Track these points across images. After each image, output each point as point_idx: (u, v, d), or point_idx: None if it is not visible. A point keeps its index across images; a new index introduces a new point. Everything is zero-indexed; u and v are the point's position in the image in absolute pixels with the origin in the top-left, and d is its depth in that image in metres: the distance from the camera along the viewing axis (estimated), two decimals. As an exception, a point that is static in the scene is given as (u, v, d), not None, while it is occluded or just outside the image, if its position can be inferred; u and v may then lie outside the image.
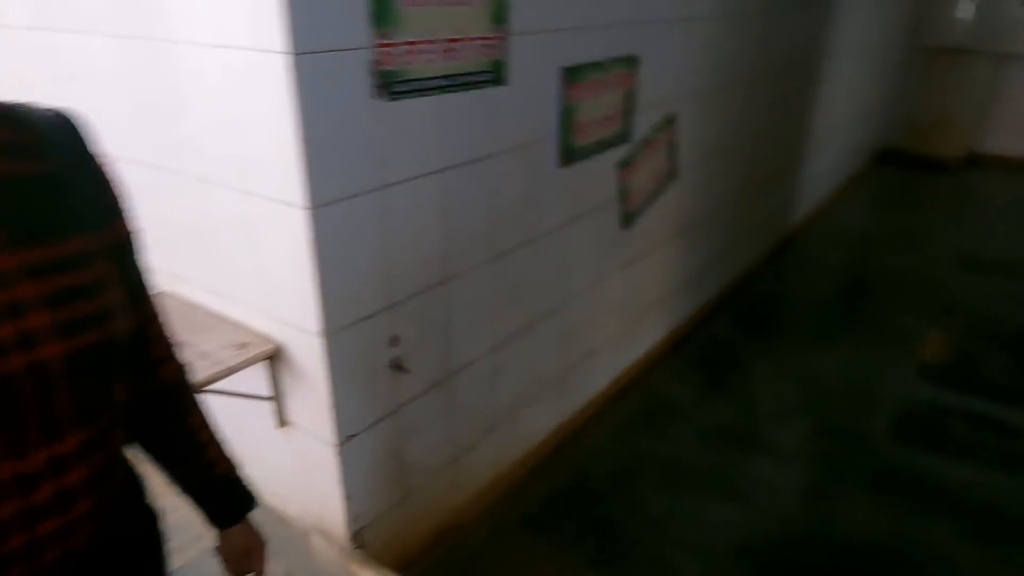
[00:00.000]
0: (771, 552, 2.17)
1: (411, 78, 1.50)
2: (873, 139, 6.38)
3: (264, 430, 1.78)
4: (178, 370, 0.86)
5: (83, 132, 0.72)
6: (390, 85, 1.45)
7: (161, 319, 0.83)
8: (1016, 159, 6.44)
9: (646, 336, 3.04)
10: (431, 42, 1.50)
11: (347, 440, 1.65)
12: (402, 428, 1.81)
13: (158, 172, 1.67)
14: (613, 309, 2.67)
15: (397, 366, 1.71)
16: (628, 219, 2.56)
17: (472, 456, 2.13)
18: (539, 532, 2.22)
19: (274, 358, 1.63)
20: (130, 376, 0.75)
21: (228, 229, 1.60)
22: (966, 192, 6.02)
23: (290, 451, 1.78)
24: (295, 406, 1.69)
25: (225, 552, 0.96)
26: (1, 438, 0.59)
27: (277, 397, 1.69)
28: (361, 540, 1.78)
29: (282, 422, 1.73)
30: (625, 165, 2.43)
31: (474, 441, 2.11)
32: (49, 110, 0.70)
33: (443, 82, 1.58)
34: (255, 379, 1.67)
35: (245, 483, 0.95)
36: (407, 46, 1.46)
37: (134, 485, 0.82)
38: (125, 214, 0.75)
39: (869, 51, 5.26)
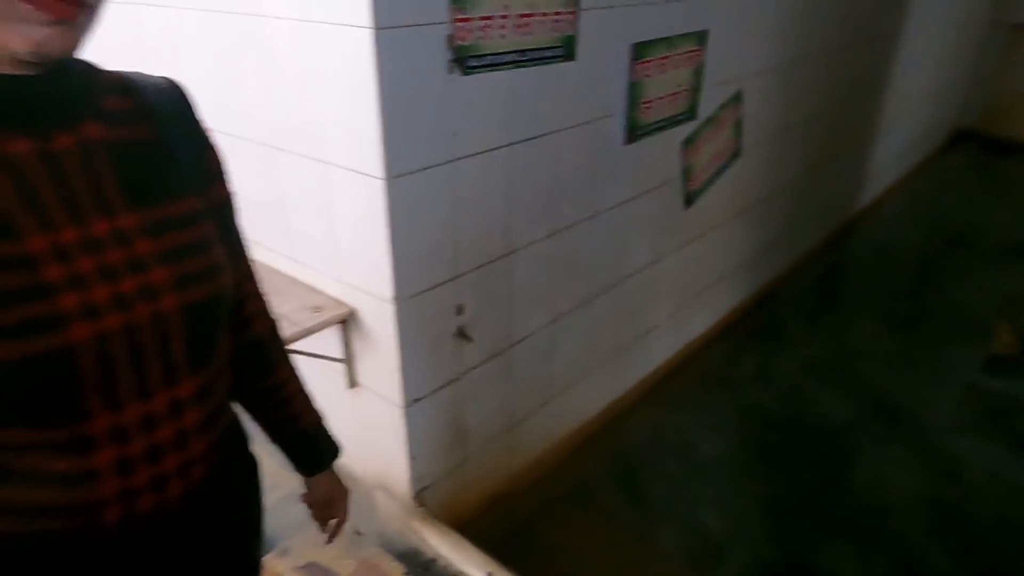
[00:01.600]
0: (809, 527, 2.17)
1: (484, 53, 1.53)
2: (948, 120, 6.09)
3: (334, 390, 1.87)
4: (270, 325, 0.91)
5: (188, 100, 0.76)
6: (465, 60, 1.48)
7: (255, 277, 0.88)
8: (1104, 144, 6.06)
9: (703, 316, 3.03)
10: (505, 17, 1.53)
11: (413, 403, 1.72)
12: (463, 395, 1.87)
13: (237, 141, 1.76)
14: (670, 288, 2.67)
15: (461, 334, 1.77)
16: (690, 198, 2.54)
17: (527, 426, 2.18)
18: (587, 504, 2.28)
19: (347, 322, 1.71)
20: (230, 333, 0.81)
21: (305, 197, 1.67)
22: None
23: (358, 411, 1.87)
24: (365, 368, 1.77)
25: (310, 499, 1.02)
26: (132, 380, 0.65)
27: (348, 359, 1.77)
28: (423, 499, 1.87)
29: (352, 383, 1.82)
30: (690, 143, 2.41)
31: (529, 411, 2.17)
32: (159, 79, 0.75)
33: (515, 57, 1.60)
34: (328, 341, 1.76)
35: (330, 434, 1.01)
36: (482, 21, 1.48)
37: (239, 433, 0.88)
38: (224, 178, 0.80)
39: (950, 26, 5.01)
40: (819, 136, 3.48)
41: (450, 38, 1.43)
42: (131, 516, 0.68)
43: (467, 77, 1.52)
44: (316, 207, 1.65)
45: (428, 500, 1.88)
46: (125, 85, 0.70)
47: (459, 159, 1.58)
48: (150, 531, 0.71)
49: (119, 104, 0.68)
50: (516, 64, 1.61)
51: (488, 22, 1.50)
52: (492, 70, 1.57)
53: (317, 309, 1.67)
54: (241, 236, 0.85)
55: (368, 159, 1.44)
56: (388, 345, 1.64)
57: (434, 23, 1.39)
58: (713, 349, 3.10)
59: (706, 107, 2.41)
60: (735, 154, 2.73)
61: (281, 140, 1.65)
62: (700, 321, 3.03)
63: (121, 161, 0.66)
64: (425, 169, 1.51)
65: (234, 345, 0.84)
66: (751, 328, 3.31)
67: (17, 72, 0.58)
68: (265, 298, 0.91)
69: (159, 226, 0.67)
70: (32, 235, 0.59)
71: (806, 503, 2.28)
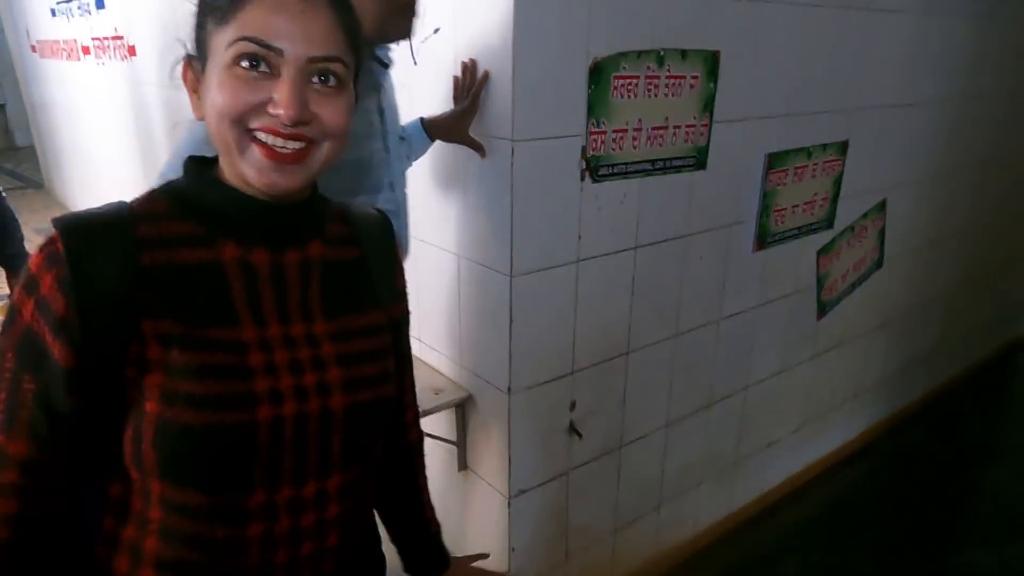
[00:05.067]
0: None
1: (616, 162, 1.60)
2: None
3: (445, 472, 1.92)
4: (419, 436, 1.00)
5: (391, 229, 0.90)
6: (596, 168, 1.56)
7: (414, 389, 0.98)
8: None
9: (832, 434, 2.82)
10: (638, 129, 1.60)
11: (519, 494, 1.73)
12: (570, 491, 1.85)
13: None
14: (798, 401, 2.52)
15: (573, 430, 1.77)
16: (823, 308, 2.43)
17: (634, 530, 2.10)
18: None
19: (463, 406, 1.77)
20: (385, 436, 0.89)
21: (435, 284, 1.79)
22: None
23: (465, 496, 1.90)
24: (476, 454, 1.81)
25: None
26: (290, 464, 0.71)
27: (461, 443, 1.83)
28: (518, 594, 1.84)
29: (463, 466, 1.86)
30: (826, 251, 2.32)
31: (637, 516, 2.09)
32: (372, 209, 0.89)
33: (646, 166, 1.66)
34: (444, 423, 1.83)
35: (444, 546, 1.05)
36: (615, 133, 1.57)
37: (373, 533, 0.93)
38: (406, 297, 0.92)
39: None
40: (977, 248, 3.22)
41: (584, 149, 1.52)
42: None
43: (597, 184, 1.59)
44: (445, 294, 1.76)
45: (524, 596, 1.85)
46: (345, 215, 0.84)
47: (584, 260, 1.64)
48: None
49: (338, 230, 0.82)
50: (646, 173, 1.67)
51: (622, 134, 1.58)
52: (623, 178, 1.63)
53: (438, 391, 1.75)
54: (409, 350, 0.95)
55: (496, 255, 1.53)
56: (500, 433, 1.68)
57: (569, 136, 1.49)
58: (841, 473, 2.84)
59: (845, 216, 2.34)
60: (877, 264, 2.59)
61: (420, 230, 1.79)
62: (828, 440, 2.81)
63: (328, 277, 0.78)
64: (550, 268, 1.58)
65: (388, 448, 0.93)
66: (886, 454, 3.01)
67: (266, 198, 0.71)
68: (418, 410, 1.01)
69: (344, 333, 0.77)
70: (247, 326, 0.70)
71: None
